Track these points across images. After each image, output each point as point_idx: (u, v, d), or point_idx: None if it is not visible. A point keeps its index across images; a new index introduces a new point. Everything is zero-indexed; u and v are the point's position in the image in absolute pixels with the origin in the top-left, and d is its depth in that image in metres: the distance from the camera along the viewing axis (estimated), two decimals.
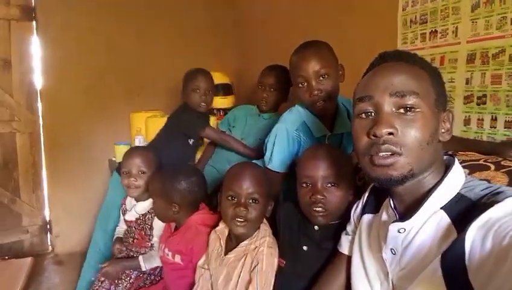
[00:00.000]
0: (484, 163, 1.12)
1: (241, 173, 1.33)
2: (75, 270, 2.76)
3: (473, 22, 1.44)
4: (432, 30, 1.62)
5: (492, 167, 1.09)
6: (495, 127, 1.39)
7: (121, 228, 1.99)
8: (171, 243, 1.58)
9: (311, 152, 1.24)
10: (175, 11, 3.53)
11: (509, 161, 1.12)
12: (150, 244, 1.79)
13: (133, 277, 1.76)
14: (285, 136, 1.54)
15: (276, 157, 1.55)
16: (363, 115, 0.85)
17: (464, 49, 1.48)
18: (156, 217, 1.76)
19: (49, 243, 3.39)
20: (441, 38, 1.58)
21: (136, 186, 1.79)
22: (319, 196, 1.16)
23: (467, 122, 1.48)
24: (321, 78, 1.46)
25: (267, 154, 1.60)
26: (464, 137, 1.43)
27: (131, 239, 1.85)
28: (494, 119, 1.39)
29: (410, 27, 1.73)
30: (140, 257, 1.74)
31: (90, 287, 1.84)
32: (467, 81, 1.47)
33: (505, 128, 1.35)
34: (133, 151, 1.89)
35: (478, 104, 1.44)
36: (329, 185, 1.18)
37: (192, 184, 1.60)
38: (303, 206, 1.22)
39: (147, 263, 1.73)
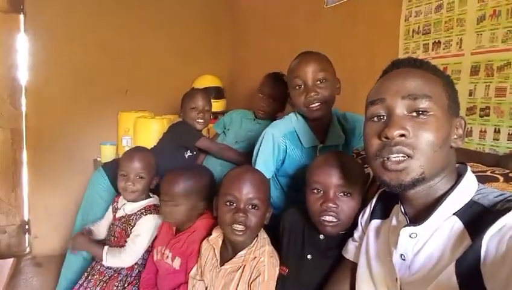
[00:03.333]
0: (492, 174, 1.12)
1: (241, 177, 1.28)
2: (55, 274, 2.67)
3: (478, 34, 1.45)
4: (435, 41, 1.62)
5: (501, 178, 1.08)
6: (498, 140, 1.39)
7: (100, 223, 1.92)
8: (174, 245, 1.53)
9: (325, 158, 1.20)
10: (169, 11, 3.50)
11: None
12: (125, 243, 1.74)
13: (107, 275, 1.72)
14: (271, 142, 1.52)
15: (260, 161, 1.54)
16: (375, 118, 0.85)
17: (468, 60, 1.48)
18: (145, 217, 1.72)
19: (27, 245, 3.28)
20: (444, 49, 1.58)
21: (133, 190, 1.74)
22: (330, 204, 1.11)
23: (468, 133, 1.47)
24: (318, 82, 1.46)
25: (253, 157, 1.58)
26: (466, 148, 1.42)
27: (113, 237, 1.80)
28: (497, 131, 1.39)
29: (413, 37, 1.72)
30: (106, 248, 1.69)
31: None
32: (470, 93, 1.47)
33: (508, 140, 1.35)
34: (134, 153, 1.81)
35: (481, 116, 1.44)
36: (342, 194, 1.14)
37: (211, 180, 1.62)
38: (312, 214, 1.17)
39: (110, 257, 1.67)
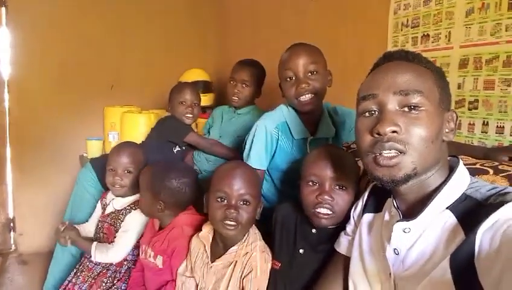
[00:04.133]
0: (481, 167, 1.12)
1: (232, 173, 1.26)
2: (41, 271, 2.63)
3: (466, 27, 1.45)
4: (423, 34, 1.63)
5: (491, 171, 1.09)
6: (486, 132, 1.40)
7: (87, 225, 1.89)
8: (154, 243, 1.51)
9: (322, 151, 1.19)
10: (154, 4, 3.44)
11: (506, 165, 1.13)
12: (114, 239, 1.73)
13: (96, 272, 1.70)
14: (264, 133, 1.52)
15: (254, 154, 1.53)
16: (367, 114, 0.85)
17: (457, 54, 1.49)
18: (134, 211, 1.72)
19: (12, 242, 3.22)
20: (433, 42, 1.59)
21: (121, 185, 1.74)
22: (326, 197, 1.11)
23: (457, 126, 1.48)
24: (310, 74, 1.46)
25: (246, 150, 1.58)
26: (455, 141, 1.43)
27: (102, 234, 1.79)
28: (485, 124, 1.40)
29: (402, 30, 1.73)
30: (94, 243, 1.69)
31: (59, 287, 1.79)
32: (459, 86, 1.47)
33: (496, 133, 1.37)
34: (121, 148, 1.81)
35: (470, 109, 1.45)
36: (337, 187, 1.14)
37: (183, 184, 1.53)
38: (306, 206, 1.17)
39: (98, 253, 1.66)
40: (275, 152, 1.56)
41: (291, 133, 1.55)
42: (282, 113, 1.57)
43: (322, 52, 1.53)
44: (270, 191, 1.63)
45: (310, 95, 1.47)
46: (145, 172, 1.59)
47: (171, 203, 1.52)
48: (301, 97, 1.47)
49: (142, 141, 2.22)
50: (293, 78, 1.48)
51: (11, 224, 3.19)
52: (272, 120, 1.54)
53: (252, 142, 1.54)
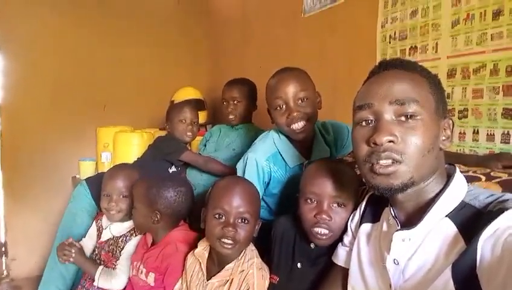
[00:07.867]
0: (474, 174, 1.13)
1: (232, 190, 1.23)
2: None
3: (453, 38, 1.48)
4: (411, 46, 1.65)
5: (483, 177, 1.09)
6: (477, 141, 1.41)
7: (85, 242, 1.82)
8: (147, 260, 1.47)
9: (321, 167, 1.16)
10: (145, 24, 3.48)
11: (498, 172, 1.14)
12: (114, 266, 1.66)
13: None
14: (255, 167, 1.48)
15: None
16: (363, 123, 0.85)
17: (444, 64, 1.51)
18: (135, 238, 1.67)
19: (4, 267, 3.16)
20: (420, 53, 1.61)
21: (117, 211, 1.68)
22: (324, 216, 1.09)
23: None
24: (300, 102, 1.42)
25: None
26: (446, 151, 1.44)
27: (99, 261, 1.72)
28: (476, 132, 1.41)
29: (390, 43, 1.75)
30: (100, 268, 1.63)
31: None
32: (448, 96, 1.49)
33: (487, 141, 1.38)
34: (115, 171, 1.75)
35: (460, 118, 1.46)
36: (335, 205, 1.11)
37: (180, 194, 1.50)
38: (304, 223, 1.15)
39: (102, 279, 1.60)
40: (268, 183, 1.52)
41: (285, 161, 1.51)
42: (273, 142, 1.52)
43: (309, 76, 1.49)
44: (265, 214, 1.59)
45: (302, 122, 1.43)
46: (139, 184, 1.55)
47: (168, 213, 1.48)
48: (293, 125, 1.43)
49: (138, 158, 2.21)
50: (283, 106, 1.43)
51: (3, 249, 3.14)
52: (262, 152, 1.50)
53: (243, 174, 1.50)
